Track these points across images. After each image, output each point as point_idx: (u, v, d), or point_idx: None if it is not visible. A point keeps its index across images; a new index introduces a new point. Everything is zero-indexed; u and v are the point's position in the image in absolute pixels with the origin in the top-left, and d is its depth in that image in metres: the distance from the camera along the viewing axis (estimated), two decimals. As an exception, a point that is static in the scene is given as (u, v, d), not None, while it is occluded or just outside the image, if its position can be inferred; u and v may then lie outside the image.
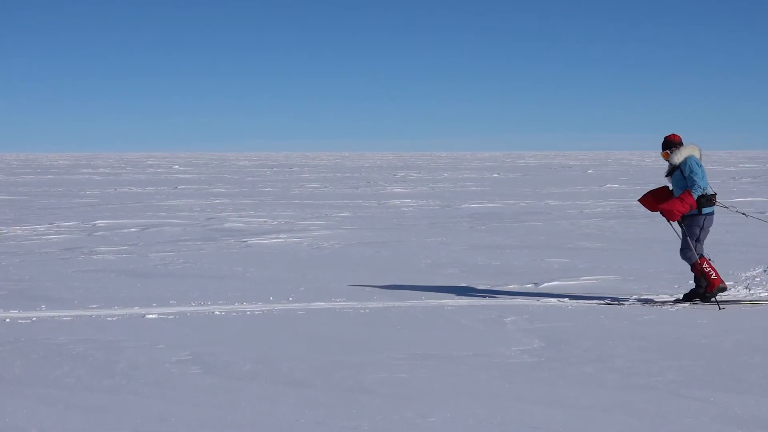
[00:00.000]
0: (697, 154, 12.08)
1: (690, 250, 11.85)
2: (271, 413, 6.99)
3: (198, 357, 8.65)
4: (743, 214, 13.24)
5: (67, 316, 10.86)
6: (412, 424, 6.76)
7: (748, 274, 13.87)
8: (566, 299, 11.98)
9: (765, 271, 14.20)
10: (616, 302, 11.78)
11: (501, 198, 35.54)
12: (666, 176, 12.19)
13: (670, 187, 12.13)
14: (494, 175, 62.55)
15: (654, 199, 12.21)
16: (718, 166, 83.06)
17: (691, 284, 12.25)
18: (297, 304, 11.65)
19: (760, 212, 27.38)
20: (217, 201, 33.83)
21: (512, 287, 13.05)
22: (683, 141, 12.14)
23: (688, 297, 11.88)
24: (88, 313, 11.12)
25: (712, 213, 11.98)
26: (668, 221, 11.98)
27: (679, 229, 12.03)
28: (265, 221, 24.58)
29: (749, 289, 12.66)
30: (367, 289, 12.87)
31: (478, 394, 7.47)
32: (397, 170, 76.08)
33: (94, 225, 23.41)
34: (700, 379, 7.93)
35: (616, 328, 10.05)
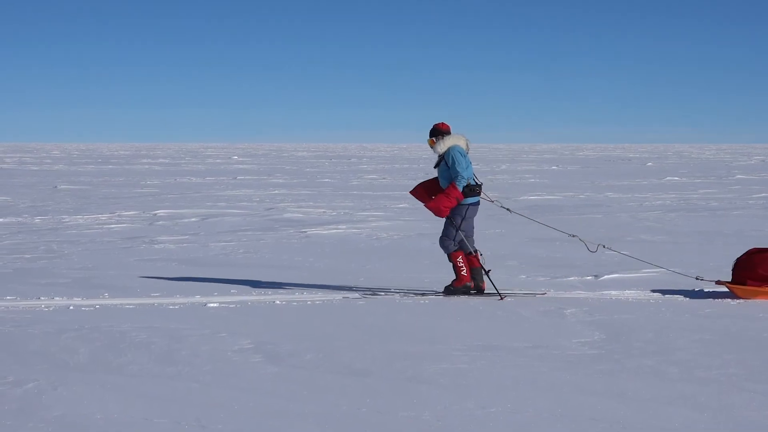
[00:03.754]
0: (462, 144, 11.73)
1: (449, 239, 11.69)
2: (332, 402, 7.02)
3: (259, 346, 8.72)
4: (507, 209, 12.86)
5: (129, 304, 10.99)
6: (473, 414, 6.77)
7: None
8: (627, 291, 11.94)
9: None
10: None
11: (560, 190, 35.38)
12: (435, 167, 11.93)
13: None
14: (553, 168, 62.27)
15: (425, 192, 11.95)
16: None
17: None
18: (357, 294, 11.70)
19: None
20: (276, 191, 34.00)
21: (572, 279, 13.02)
22: (451, 131, 11.83)
23: (449, 290, 11.69)
24: (150, 301, 11.24)
25: (476, 203, 11.81)
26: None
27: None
28: (324, 212, 24.68)
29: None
30: (426, 280, 12.89)
31: (539, 385, 7.47)
32: (455, 162, 75.91)
33: (155, 215, 23.63)
34: (763, 372, 7.87)
35: (676, 321, 9.99)
